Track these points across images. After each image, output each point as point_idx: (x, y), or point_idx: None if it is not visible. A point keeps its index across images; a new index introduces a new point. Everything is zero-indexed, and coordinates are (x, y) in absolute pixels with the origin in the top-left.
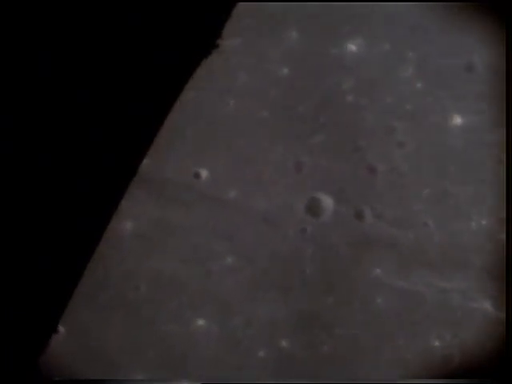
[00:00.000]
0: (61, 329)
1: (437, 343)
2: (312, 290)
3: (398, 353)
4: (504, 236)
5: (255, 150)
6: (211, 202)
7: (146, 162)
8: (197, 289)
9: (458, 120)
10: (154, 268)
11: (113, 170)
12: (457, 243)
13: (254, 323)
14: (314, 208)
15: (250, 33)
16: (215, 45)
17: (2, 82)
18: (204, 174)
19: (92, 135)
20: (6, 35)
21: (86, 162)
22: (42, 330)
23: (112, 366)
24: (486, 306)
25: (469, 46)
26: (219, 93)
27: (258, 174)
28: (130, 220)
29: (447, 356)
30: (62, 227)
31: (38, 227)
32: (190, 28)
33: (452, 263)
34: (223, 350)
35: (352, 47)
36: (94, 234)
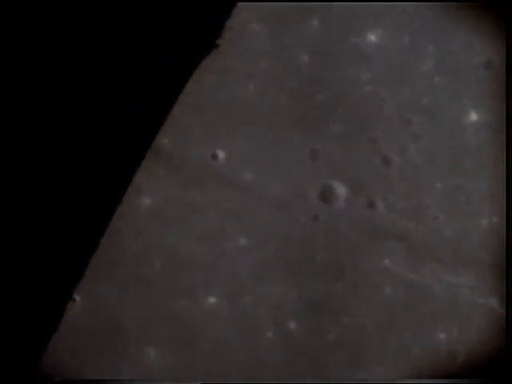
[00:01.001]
0: (77, 298)
1: (443, 337)
2: (321, 276)
3: (403, 344)
4: None
5: (272, 135)
6: (227, 184)
7: (165, 140)
8: (209, 267)
9: (473, 117)
10: (169, 245)
11: (113, 169)
12: (467, 239)
13: (264, 304)
14: (327, 196)
15: (273, 19)
16: (215, 45)
17: (2, 82)
18: (221, 155)
19: (92, 135)
20: (6, 35)
21: (85, 162)
22: (42, 330)
23: (125, 338)
24: (493, 304)
25: (488, 44)
26: (240, 77)
27: (273, 158)
28: (147, 196)
29: (452, 351)
30: (62, 227)
31: (37, 227)
32: (189, 28)
33: (461, 258)
34: (232, 327)
35: (372, 38)
36: (93, 235)
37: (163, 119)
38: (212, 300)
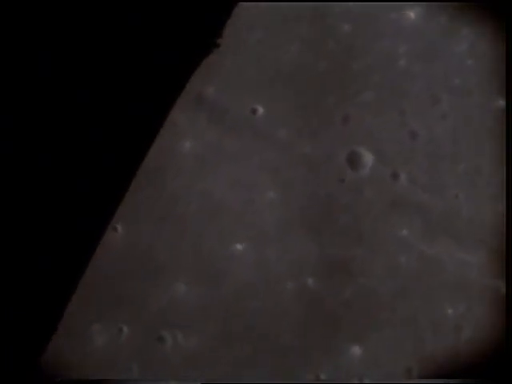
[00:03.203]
0: (119, 227)
1: (450, 312)
2: (342, 238)
3: (412, 313)
4: None
5: (308, 96)
6: (262, 138)
7: (210, 89)
8: (239, 215)
9: (500, 103)
10: (205, 188)
11: (113, 169)
12: (482, 221)
13: (286, 257)
14: (354, 161)
15: None
16: (215, 44)
17: (2, 82)
18: (260, 110)
19: (92, 135)
20: (6, 35)
21: (86, 162)
22: (42, 330)
23: (157, 270)
24: (500, 286)
25: None
26: (283, 39)
27: (307, 119)
28: (189, 140)
29: (458, 327)
30: (62, 227)
31: (37, 227)
32: (190, 28)
33: (475, 238)
34: (255, 275)
35: (411, 14)
36: (92, 236)
37: (163, 119)
38: (238, 246)
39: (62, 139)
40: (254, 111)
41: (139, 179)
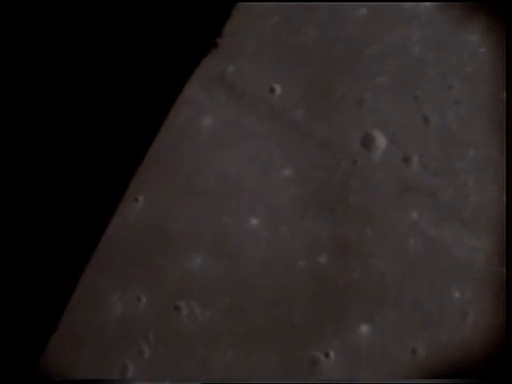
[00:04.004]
0: (140, 198)
1: (457, 296)
2: (354, 218)
3: (418, 296)
4: None
5: (324, 79)
6: (279, 117)
7: (230, 68)
8: (255, 192)
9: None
10: (223, 164)
11: (114, 169)
12: (491, 208)
13: (299, 235)
14: (367, 143)
15: None
16: (215, 44)
17: (2, 82)
18: (278, 90)
19: (92, 135)
20: (6, 35)
21: (85, 162)
22: (41, 330)
23: (174, 242)
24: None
25: None
26: (301, 23)
27: (323, 101)
28: (209, 116)
29: (464, 312)
30: (62, 227)
31: (37, 227)
32: (190, 28)
33: (482, 225)
34: (269, 251)
35: (427, 4)
36: (90, 237)
37: (163, 119)
38: (254, 222)
39: (61, 139)
40: (272, 90)
41: (161, 153)
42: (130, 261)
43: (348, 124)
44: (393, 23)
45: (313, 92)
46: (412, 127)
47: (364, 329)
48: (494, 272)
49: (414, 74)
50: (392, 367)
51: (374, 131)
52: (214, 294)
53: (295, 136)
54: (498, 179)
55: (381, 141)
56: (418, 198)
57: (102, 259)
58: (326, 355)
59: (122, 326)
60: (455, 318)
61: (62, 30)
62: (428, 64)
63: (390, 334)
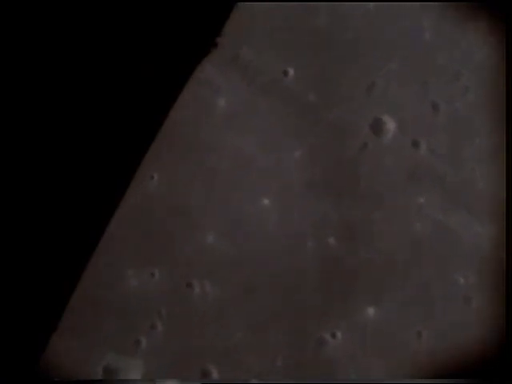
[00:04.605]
0: (155, 176)
1: (462, 281)
2: (362, 202)
3: (424, 280)
4: None
5: (337, 63)
6: (291, 99)
7: (244, 48)
8: (266, 172)
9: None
10: (236, 144)
11: (113, 170)
12: (497, 195)
13: (308, 216)
14: (377, 128)
15: None
16: (215, 44)
17: (2, 82)
18: (291, 72)
19: (92, 135)
20: (6, 35)
21: (85, 162)
22: (42, 330)
23: (188, 222)
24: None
25: None
26: (311, 7)
27: (336, 85)
28: (224, 97)
29: (468, 298)
30: (62, 227)
31: (37, 226)
32: (190, 28)
33: (489, 212)
34: (279, 231)
35: None
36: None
37: (163, 118)
38: (265, 201)
39: (61, 139)
40: (285, 73)
41: (177, 131)
42: (145, 237)
43: (358, 108)
44: (405, 10)
45: (325, 76)
46: (421, 113)
47: (370, 311)
48: (498, 259)
49: (425, 59)
50: (397, 349)
51: (384, 116)
52: (226, 272)
53: (307, 118)
54: (504, 168)
55: (390, 125)
56: (425, 183)
57: (118, 235)
58: (333, 336)
59: (136, 300)
60: (459, 302)
61: (62, 30)
62: (438, 50)
63: (396, 317)
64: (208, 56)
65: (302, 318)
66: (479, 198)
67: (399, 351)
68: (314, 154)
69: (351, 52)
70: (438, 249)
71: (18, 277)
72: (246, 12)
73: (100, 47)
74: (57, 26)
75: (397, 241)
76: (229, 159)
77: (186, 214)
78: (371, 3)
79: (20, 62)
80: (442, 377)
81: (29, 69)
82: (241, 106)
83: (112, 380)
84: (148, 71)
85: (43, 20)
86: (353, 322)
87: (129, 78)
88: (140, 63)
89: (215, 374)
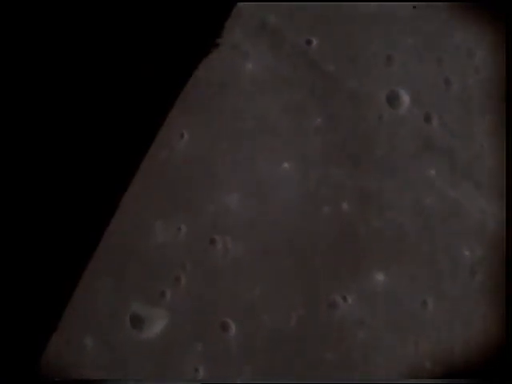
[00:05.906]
0: (185, 134)
1: (467, 254)
2: (377, 170)
3: (432, 251)
4: None
5: (357, 37)
6: (314, 68)
7: (272, 16)
8: (288, 137)
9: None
10: (261, 108)
11: (113, 170)
12: (504, 173)
13: (326, 181)
14: (393, 100)
15: None
16: (215, 44)
17: (2, 82)
18: (314, 42)
19: (92, 135)
20: (6, 35)
21: (85, 162)
22: (42, 330)
23: (214, 180)
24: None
25: None
26: None
27: (355, 57)
28: (250, 62)
29: (474, 272)
30: (61, 226)
31: (37, 226)
32: (190, 28)
33: (497, 189)
34: (297, 194)
35: None
36: (89, 238)
37: (163, 119)
38: (286, 165)
39: (61, 139)
40: (308, 42)
41: (206, 93)
42: (174, 192)
43: (376, 80)
44: None
45: (345, 47)
46: (434, 87)
47: (380, 276)
48: (503, 235)
49: (440, 36)
50: (403, 317)
51: (399, 88)
52: (247, 231)
53: (327, 87)
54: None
55: (405, 98)
56: (436, 155)
57: (148, 188)
58: (344, 299)
59: (162, 253)
60: (464, 274)
61: (62, 30)
62: (453, 29)
63: (403, 285)
64: (235, 22)
65: (314, 280)
66: (487, 174)
67: (405, 319)
68: (333, 122)
69: (372, 26)
70: (447, 221)
71: (18, 276)
72: None
73: (101, 47)
74: (57, 26)
75: (407, 211)
76: (253, 122)
77: (213, 172)
78: None
79: (20, 61)
80: (442, 377)
81: (29, 69)
82: (266, 71)
83: (111, 380)
84: (148, 71)
85: (43, 20)
86: (363, 287)
87: (129, 78)
88: (139, 65)
89: (233, 329)
